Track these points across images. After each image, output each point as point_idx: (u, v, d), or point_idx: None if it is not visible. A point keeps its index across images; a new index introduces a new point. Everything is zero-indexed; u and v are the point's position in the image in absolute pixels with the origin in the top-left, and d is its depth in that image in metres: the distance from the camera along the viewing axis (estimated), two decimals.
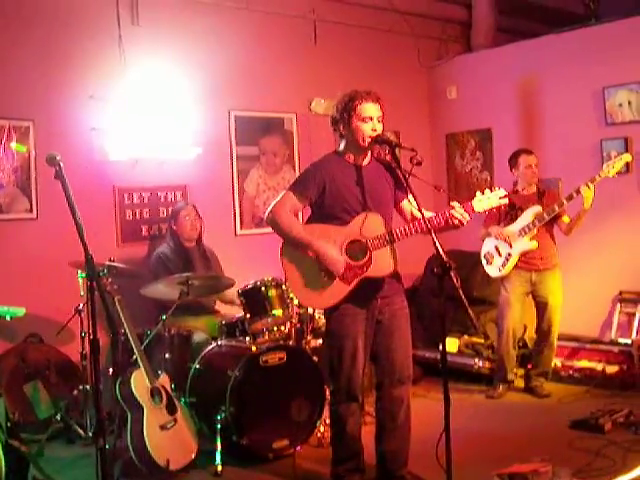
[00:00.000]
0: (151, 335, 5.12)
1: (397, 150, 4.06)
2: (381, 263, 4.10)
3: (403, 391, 4.28)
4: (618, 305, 6.90)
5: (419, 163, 3.92)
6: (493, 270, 6.34)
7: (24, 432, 5.02)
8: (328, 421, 4.62)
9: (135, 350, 4.70)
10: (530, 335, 6.89)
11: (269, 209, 4.24)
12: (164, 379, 4.84)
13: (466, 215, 4.03)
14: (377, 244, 4.08)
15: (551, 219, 6.10)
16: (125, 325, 4.74)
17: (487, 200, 4.09)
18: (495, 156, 7.85)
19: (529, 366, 6.54)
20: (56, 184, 3.36)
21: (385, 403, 4.31)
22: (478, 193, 4.12)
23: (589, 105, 7.03)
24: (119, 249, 6.16)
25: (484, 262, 6.42)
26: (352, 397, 4.24)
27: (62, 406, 5.36)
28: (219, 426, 4.83)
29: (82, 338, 5.43)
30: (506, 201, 4.19)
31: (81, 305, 5.30)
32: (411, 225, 4.09)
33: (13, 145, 5.52)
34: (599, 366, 6.50)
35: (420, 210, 3.96)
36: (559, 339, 6.77)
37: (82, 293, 5.24)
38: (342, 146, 4.26)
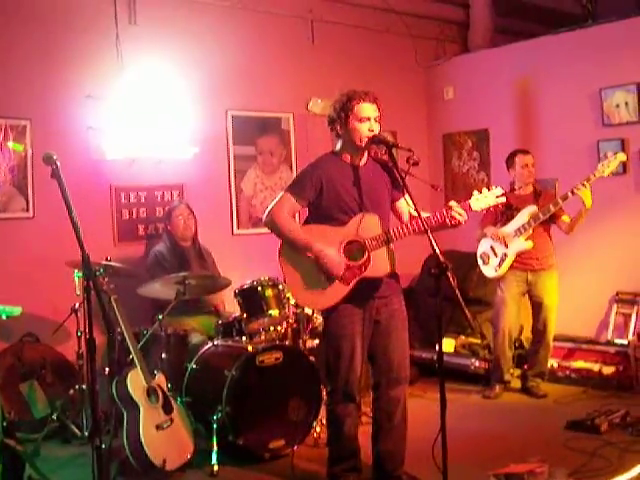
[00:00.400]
0: (147, 335, 5.12)
1: (394, 150, 4.06)
2: (379, 263, 4.10)
3: (400, 391, 4.28)
4: (615, 306, 6.90)
5: (416, 163, 3.92)
6: (489, 270, 6.35)
7: (20, 431, 5.01)
8: (324, 421, 4.62)
9: (131, 350, 4.70)
10: (526, 335, 6.89)
11: (267, 211, 4.23)
12: (160, 379, 4.83)
13: (464, 214, 4.04)
14: (375, 244, 4.07)
15: (549, 219, 6.10)
16: (121, 324, 4.73)
17: (484, 199, 4.09)
18: (492, 156, 7.85)
19: (525, 366, 6.55)
20: (53, 183, 3.35)
21: (382, 403, 4.30)
22: (475, 192, 4.11)
23: (586, 106, 7.04)
24: (116, 248, 6.16)
25: (480, 262, 6.42)
26: (350, 397, 4.24)
27: (58, 405, 5.35)
28: (215, 426, 4.82)
29: (78, 337, 5.42)
30: (503, 200, 4.19)
31: (77, 304, 5.29)
32: (409, 225, 4.08)
33: (10, 144, 5.52)
34: (596, 367, 6.51)
35: (417, 210, 3.96)
36: (556, 340, 6.78)
37: (78, 292, 5.22)
38: (339, 146, 4.26)
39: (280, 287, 5.32)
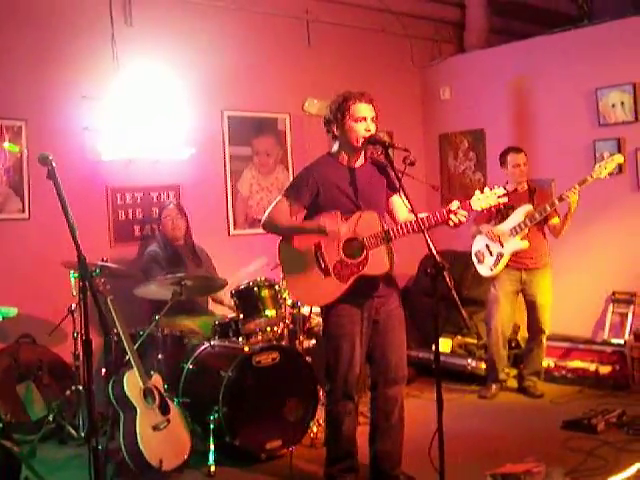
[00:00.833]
0: (144, 335, 5.10)
1: (390, 150, 4.05)
2: (377, 261, 4.10)
3: (397, 391, 4.28)
4: (611, 305, 6.91)
5: (412, 163, 3.91)
6: (484, 269, 6.34)
7: (16, 433, 5.01)
8: (321, 421, 4.62)
9: (128, 350, 4.69)
10: (523, 335, 6.90)
11: (265, 216, 4.26)
12: (157, 379, 4.83)
13: (466, 215, 4.01)
14: (373, 242, 4.07)
15: (543, 219, 6.10)
16: (118, 325, 4.72)
17: (485, 199, 4.02)
18: (488, 157, 7.85)
19: (521, 366, 6.55)
20: (49, 184, 3.35)
21: (379, 403, 4.30)
22: (477, 192, 4.04)
23: (582, 106, 7.04)
24: (112, 249, 6.15)
25: (475, 261, 6.42)
26: (348, 397, 4.24)
27: (55, 407, 5.34)
28: (212, 426, 4.82)
29: (75, 338, 5.43)
30: (505, 200, 4.12)
31: (73, 305, 5.29)
32: (408, 223, 4.06)
33: (5, 145, 5.49)
34: (592, 366, 6.52)
35: (414, 212, 3.93)
36: (552, 339, 6.79)
37: (74, 293, 5.22)
38: (335, 147, 4.26)
39: (276, 288, 5.33)
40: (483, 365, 6.64)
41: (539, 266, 6.25)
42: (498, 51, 7.88)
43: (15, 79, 5.77)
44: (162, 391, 4.80)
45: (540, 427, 5.43)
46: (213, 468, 4.73)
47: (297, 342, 5.49)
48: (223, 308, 6.15)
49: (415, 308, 7.14)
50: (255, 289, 5.30)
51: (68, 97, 5.99)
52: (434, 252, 3.65)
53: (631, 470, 4.32)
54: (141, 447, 4.47)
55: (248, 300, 5.30)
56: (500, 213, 6.20)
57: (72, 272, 5.24)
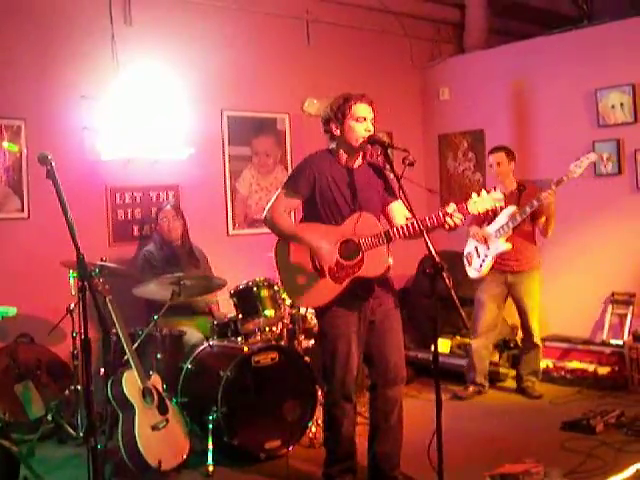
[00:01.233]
0: (143, 335, 5.11)
1: (390, 151, 4.05)
2: (373, 263, 4.10)
3: (396, 392, 4.27)
4: (610, 306, 6.91)
5: (411, 164, 3.91)
6: (472, 271, 6.33)
7: (15, 432, 5.01)
8: (320, 421, 4.61)
9: (127, 350, 4.69)
10: (521, 336, 6.90)
11: (266, 210, 4.26)
12: (156, 379, 4.83)
13: (462, 218, 4.01)
14: (370, 244, 4.07)
15: (530, 219, 6.06)
16: (117, 325, 4.72)
17: (482, 202, 3.97)
18: (487, 157, 7.82)
19: (519, 366, 6.54)
20: (48, 184, 3.35)
21: (378, 404, 4.30)
22: (474, 195, 3.99)
23: (581, 107, 7.05)
24: (111, 249, 6.15)
25: (465, 263, 6.40)
26: (346, 398, 4.23)
27: (53, 406, 5.34)
28: (211, 426, 4.82)
29: (73, 338, 5.43)
30: (502, 204, 4.11)
31: (72, 305, 5.29)
32: (405, 226, 4.06)
33: (5, 144, 5.50)
34: (591, 367, 6.53)
35: (413, 214, 3.90)
36: (551, 340, 6.80)
37: (73, 293, 5.23)
38: (333, 146, 4.26)
39: (275, 287, 5.33)
40: None
41: (525, 268, 6.22)
42: (498, 52, 7.88)
43: (14, 78, 5.76)
44: (161, 391, 4.80)
45: (539, 428, 5.43)
46: (212, 468, 4.73)
47: (296, 342, 5.48)
48: (222, 307, 6.13)
49: (414, 308, 7.16)
50: (254, 289, 5.30)
51: (67, 97, 5.99)
52: (433, 252, 3.65)
53: (630, 471, 4.33)
54: (140, 447, 4.47)
55: (247, 300, 5.30)
56: (489, 215, 6.16)
57: (71, 272, 5.24)
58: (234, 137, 6.98)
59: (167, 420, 4.69)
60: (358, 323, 4.18)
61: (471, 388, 6.35)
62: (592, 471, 4.45)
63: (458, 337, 7.12)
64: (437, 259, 3.61)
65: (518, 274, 6.22)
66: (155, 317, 5.12)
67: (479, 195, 3.97)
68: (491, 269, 6.20)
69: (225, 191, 6.95)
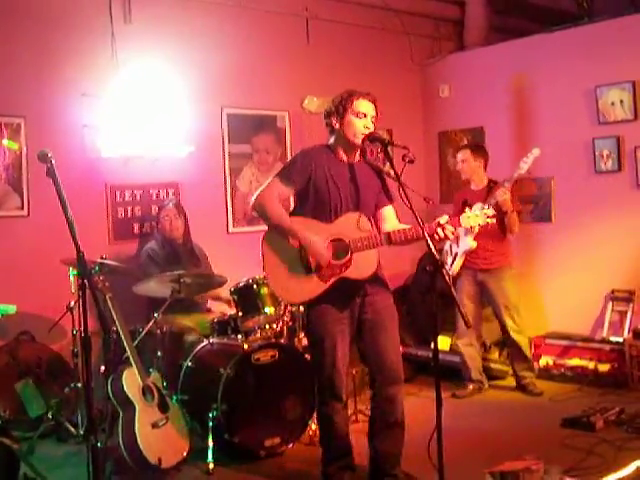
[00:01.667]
0: (143, 333, 5.11)
1: (389, 148, 4.04)
2: (361, 265, 4.08)
3: (396, 390, 4.26)
4: (610, 303, 6.89)
5: (411, 161, 3.90)
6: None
7: (15, 430, 5.03)
8: None
9: (127, 348, 4.69)
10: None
11: (255, 195, 4.20)
12: (156, 377, 4.84)
13: (453, 230, 4.00)
14: (360, 246, 4.05)
15: (500, 216, 5.95)
16: (117, 323, 4.72)
17: (475, 218, 4.04)
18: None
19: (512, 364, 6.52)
20: (48, 181, 3.35)
21: (378, 402, 4.29)
22: (467, 209, 4.11)
23: (581, 104, 7.04)
24: (111, 247, 6.14)
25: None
26: (335, 397, 4.22)
27: (53, 404, 5.34)
28: (211, 424, 4.82)
29: (73, 336, 5.43)
30: (493, 221, 4.12)
31: (72, 303, 5.29)
32: (407, 230, 4.06)
33: (5, 142, 5.51)
34: (591, 364, 6.52)
35: (413, 211, 3.89)
36: (551, 337, 6.81)
37: (73, 290, 5.23)
38: (332, 141, 4.24)
39: None
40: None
41: (494, 266, 6.20)
42: (498, 49, 7.87)
43: (14, 76, 5.76)
44: (161, 389, 4.80)
45: (539, 425, 5.44)
46: (212, 466, 4.74)
47: (296, 340, 5.48)
48: (221, 306, 6.13)
49: (414, 306, 7.15)
50: (254, 286, 5.30)
51: (67, 94, 5.98)
52: (433, 250, 3.65)
53: (630, 468, 4.33)
54: (140, 445, 4.47)
55: (247, 297, 5.30)
56: (461, 212, 6.10)
57: (71, 269, 5.25)
58: (234, 135, 6.98)
59: (167, 418, 4.69)
60: (345, 321, 4.17)
61: (470, 386, 6.36)
62: (592, 468, 4.45)
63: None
64: (437, 256, 3.62)
65: (487, 272, 6.21)
66: (155, 315, 5.13)
67: (471, 210, 4.08)
68: (463, 267, 6.19)
69: (225, 189, 6.95)
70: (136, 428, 4.50)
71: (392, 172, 4.00)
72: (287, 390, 5.08)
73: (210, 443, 4.79)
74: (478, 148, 6.47)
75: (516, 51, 7.64)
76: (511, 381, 6.56)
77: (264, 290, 5.29)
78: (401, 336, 4.40)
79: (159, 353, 5.17)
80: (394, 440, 4.29)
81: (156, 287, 5.27)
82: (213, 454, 4.77)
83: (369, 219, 4.22)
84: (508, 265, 6.30)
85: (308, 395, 5.07)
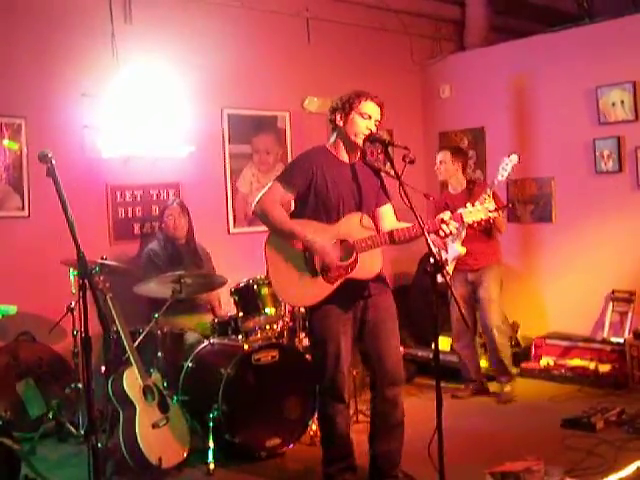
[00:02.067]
0: (143, 333, 5.11)
1: (390, 148, 4.04)
2: (366, 265, 4.07)
3: (396, 392, 4.25)
4: (611, 304, 6.90)
5: (412, 161, 3.90)
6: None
7: (16, 430, 4.99)
8: None
9: (127, 348, 4.70)
10: (522, 334, 6.90)
11: (256, 200, 4.19)
12: (156, 377, 4.83)
13: (456, 225, 4.02)
14: (364, 246, 4.04)
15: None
16: (117, 323, 4.73)
17: (477, 212, 4.03)
18: (488, 155, 7.85)
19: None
20: (48, 182, 3.35)
21: (378, 403, 4.28)
22: (468, 204, 4.07)
23: (582, 104, 7.04)
24: (111, 247, 6.15)
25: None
26: (338, 398, 4.22)
27: (54, 404, 5.35)
28: (211, 424, 4.82)
29: (74, 336, 5.43)
30: (495, 215, 4.13)
31: (73, 303, 5.29)
32: (408, 228, 4.06)
33: (5, 142, 5.51)
34: (591, 365, 6.52)
35: (416, 215, 3.87)
36: (551, 337, 6.80)
37: (74, 291, 5.23)
38: (332, 139, 4.23)
39: None
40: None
41: (483, 265, 6.14)
42: (498, 49, 7.88)
43: (15, 76, 5.76)
44: (161, 389, 4.80)
45: (539, 425, 5.43)
46: (212, 466, 4.74)
47: (296, 340, 5.48)
48: (223, 305, 6.13)
49: (414, 306, 7.15)
50: (255, 287, 5.29)
51: (68, 95, 5.99)
52: (433, 250, 3.65)
53: (630, 468, 4.33)
54: (140, 445, 4.48)
55: (247, 298, 5.29)
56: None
57: (72, 270, 5.25)
58: (234, 135, 6.98)
59: (168, 418, 4.69)
60: (348, 323, 4.16)
61: (471, 386, 6.34)
62: (593, 469, 4.45)
63: None
64: (437, 257, 3.62)
65: (477, 271, 6.16)
66: (156, 315, 5.13)
67: (473, 205, 4.05)
68: (454, 270, 6.13)
69: (225, 189, 6.95)
70: (137, 428, 4.50)
71: (392, 171, 3.99)
72: (287, 390, 5.08)
73: (210, 443, 4.79)
74: (458, 151, 6.41)
75: (517, 51, 7.64)
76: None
77: (264, 290, 5.29)
78: (401, 336, 4.40)
79: (159, 353, 5.17)
80: (394, 441, 4.29)
81: (157, 287, 5.26)
82: (213, 454, 4.76)
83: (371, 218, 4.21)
84: (496, 262, 6.24)
85: (309, 395, 5.07)
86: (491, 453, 4.75)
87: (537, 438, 5.11)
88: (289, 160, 7.22)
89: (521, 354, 6.98)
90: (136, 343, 4.90)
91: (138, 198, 6.40)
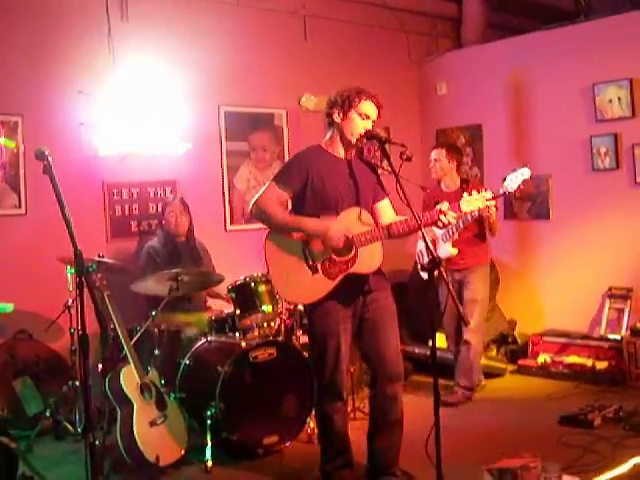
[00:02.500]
0: (141, 331, 5.10)
1: (387, 146, 4.04)
2: (366, 260, 4.07)
3: (395, 389, 4.25)
4: (608, 301, 6.90)
5: (409, 159, 3.90)
6: (423, 273, 6.07)
7: (13, 428, 5.01)
8: None
9: (125, 346, 4.70)
10: (519, 331, 6.90)
11: (253, 201, 4.19)
12: (154, 375, 4.83)
13: (455, 215, 4.02)
14: (364, 240, 4.04)
15: (480, 222, 5.87)
16: (115, 321, 4.72)
17: (475, 201, 4.05)
18: (485, 152, 7.86)
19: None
20: (45, 179, 3.35)
21: (377, 401, 4.29)
22: (465, 194, 4.08)
23: (579, 101, 7.04)
24: (108, 245, 6.15)
25: (416, 258, 6.29)
26: (336, 395, 4.22)
27: (51, 402, 5.35)
28: (209, 422, 4.82)
29: (71, 334, 5.42)
30: (493, 203, 4.14)
31: (70, 301, 5.29)
32: (404, 221, 4.06)
33: (2, 140, 5.49)
34: (589, 362, 6.53)
35: (411, 209, 3.87)
36: (549, 334, 6.80)
37: (71, 289, 5.23)
38: (328, 136, 4.23)
39: None
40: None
41: (470, 264, 6.07)
42: (495, 46, 7.87)
43: (11, 74, 5.75)
44: (159, 386, 4.80)
45: (537, 422, 5.44)
46: (210, 463, 4.74)
47: (294, 337, 5.48)
48: (220, 304, 6.13)
49: (411, 303, 7.14)
50: (252, 284, 5.30)
51: (64, 92, 5.98)
52: (431, 247, 3.65)
53: (627, 465, 4.33)
54: (138, 443, 4.48)
55: (245, 295, 5.29)
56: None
57: (69, 268, 5.24)
58: (231, 132, 6.97)
59: (165, 416, 4.69)
60: (348, 320, 4.16)
61: (460, 391, 6.21)
62: (590, 465, 4.45)
63: None
64: (435, 253, 3.62)
65: (464, 271, 6.09)
66: (153, 313, 5.12)
67: (470, 195, 4.05)
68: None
69: (222, 187, 6.95)
70: (134, 426, 4.50)
71: (389, 168, 3.99)
72: (285, 388, 5.08)
73: (208, 441, 4.79)
74: (453, 148, 6.33)
75: (513, 49, 7.64)
76: (509, 378, 6.56)
77: (262, 288, 5.29)
78: (399, 333, 4.40)
79: (157, 351, 5.17)
80: (393, 438, 4.29)
81: (154, 285, 5.26)
82: (211, 452, 4.76)
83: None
84: (485, 263, 6.20)
85: (306, 393, 5.08)
86: (488, 450, 4.76)
87: (534, 435, 5.11)
88: (286, 157, 7.23)
89: (518, 351, 6.99)
90: (133, 341, 4.89)
91: (135, 196, 6.40)
